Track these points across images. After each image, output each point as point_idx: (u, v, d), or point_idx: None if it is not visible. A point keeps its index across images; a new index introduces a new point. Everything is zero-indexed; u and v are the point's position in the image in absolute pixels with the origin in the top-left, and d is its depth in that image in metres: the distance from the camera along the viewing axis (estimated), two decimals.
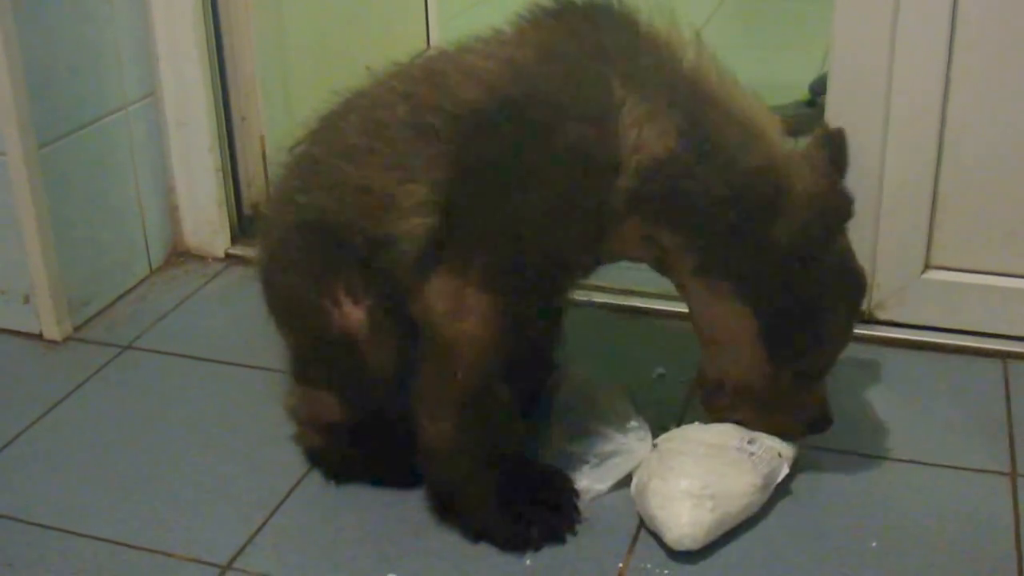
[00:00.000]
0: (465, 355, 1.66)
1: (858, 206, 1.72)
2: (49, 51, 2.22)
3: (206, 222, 2.59)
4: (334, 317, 1.72)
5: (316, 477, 1.87)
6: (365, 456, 1.83)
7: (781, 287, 1.68)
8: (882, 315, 2.21)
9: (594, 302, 2.29)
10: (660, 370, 2.10)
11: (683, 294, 1.77)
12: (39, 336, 2.30)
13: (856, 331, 2.13)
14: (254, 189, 2.64)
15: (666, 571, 1.67)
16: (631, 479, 1.78)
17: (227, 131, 2.59)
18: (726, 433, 1.78)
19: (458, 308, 1.64)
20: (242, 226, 2.65)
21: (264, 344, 2.20)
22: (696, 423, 1.82)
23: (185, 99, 2.51)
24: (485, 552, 1.71)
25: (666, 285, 1.80)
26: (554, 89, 1.63)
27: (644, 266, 1.78)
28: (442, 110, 1.65)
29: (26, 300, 2.29)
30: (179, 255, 2.63)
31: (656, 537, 1.71)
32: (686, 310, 1.79)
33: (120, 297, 2.45)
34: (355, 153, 1.71)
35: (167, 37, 2.47)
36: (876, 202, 2.10)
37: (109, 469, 1.92)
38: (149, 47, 2.47)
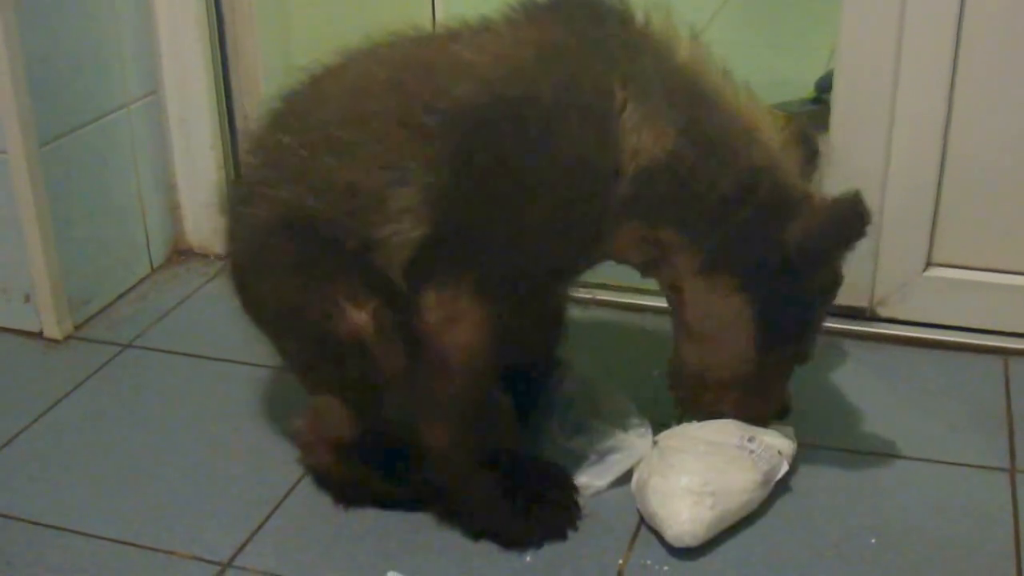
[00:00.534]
0: (459, 362, 1.64)
1: None
2: (51, 48, 2.22)
3: (208, 220, 2.59)
4: (337, 322, 1.66)
5: None
6: (373, 477, 1.79)
7: (783, 284, 1.67)
8: (884, 312, 2.21)
9: (595, 300, 2.29)
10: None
11: (671, 293, 1.76)
12: (40, 335, 2.31)
13: (858, 328, 2.15)
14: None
15: (666, 567, 1.67)
16: (631, 476, 1.79)
17: (229, 129, 2.58)
18: (726, 430, 1.78)
19: (451, 316, 1.62)
20: None
21: (265, 343, 2.20)
22: (696, 420, 1.82)
23: (187, 97, 2.51)
24: (486, 549, 1.71)
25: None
26: (554, 90, 1.60)
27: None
28: (434, 108, 1.60)
29: (27, 299, 2.29)
30: (181, 253, 2.62)
31: (656, 534, 1.71)
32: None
33: (121, 295, 2.45)
34: (338, 146, 1.64)
35: (169, 35, 2.47)
36: (879, 199, 2.10)
37: (110, 467, 1.92)
38: (151, 45, 2.47)
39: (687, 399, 1.84)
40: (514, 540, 1.71)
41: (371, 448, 1.77)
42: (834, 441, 1.90)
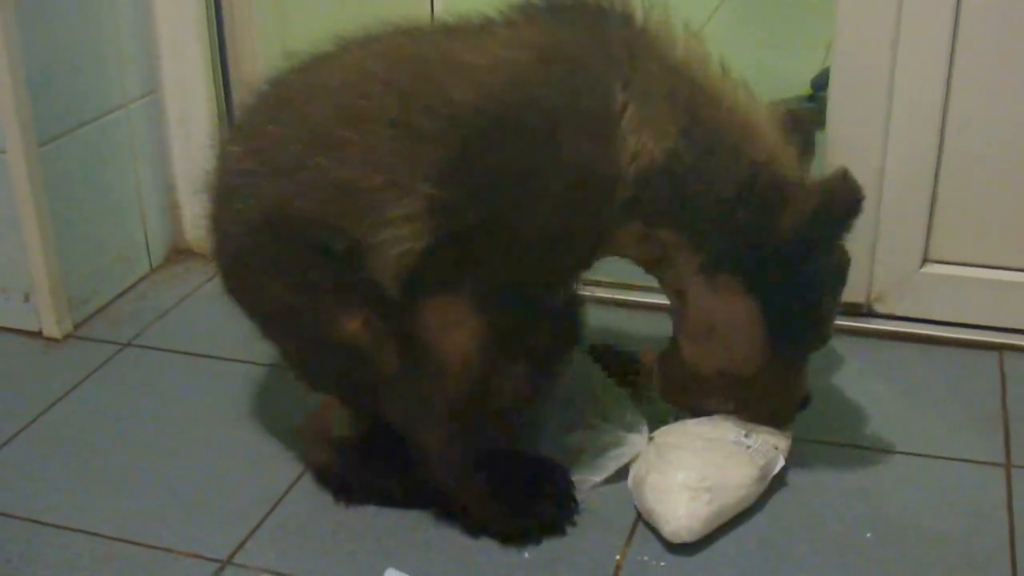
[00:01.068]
0: (454, 368, 1.63)
1: None
2: (50, 49, 2.23)
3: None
4: (330, 328, 1.63)
5: None
6: (374, 475, 1.79)
7: (786, 275, 1.66)
8: (880, 308, 2.21)
9: (593, 296, 2.29)
10: None
11: (672, 292, 1.76)
12: (39, 334, 2.31)
13: (854, 324, 2.15)
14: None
15: (663, 563, 1.68)
16: (628, 472, 1.79)
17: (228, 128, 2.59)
18: (723, 426, 1.79)
19: (449, 322, 1.61)
20: None
21: (264, 341, 2.21)
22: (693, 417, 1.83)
23: (186, 96, 2.52)
24: (484, 545, 1.71)
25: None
26: (555, 96, 1.58)
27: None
28: (433, 112, 1.57)
29: (26, 298, 2.30)
30: (180, 253, 2.63)
31: (653, 530, 1.71)
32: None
33: (120, 295, 2.46)
34: (331, 144, 1.58)
35: (169, 34, 2.47)
36: (876, 196, 2.10)
37: (109, 466, 1.93)
38: (151, 45, 2.47)
39: (677, 396, 1.84)
40: (512, 536, 1.72)
41: (372, 446, 1.78)
42: (830, 436, 1.91)
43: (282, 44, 2.61)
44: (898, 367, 2.11)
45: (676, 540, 1.68)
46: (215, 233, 1.75)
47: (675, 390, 1.85)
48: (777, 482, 1.79)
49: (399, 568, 1.66)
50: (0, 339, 2.32)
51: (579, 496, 1.77)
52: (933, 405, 2.01)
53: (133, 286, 2.49)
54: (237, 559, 1.71)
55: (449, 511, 1.75)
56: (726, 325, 1.73)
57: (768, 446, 1.76)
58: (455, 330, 1.62)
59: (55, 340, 2.30)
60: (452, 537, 1.73)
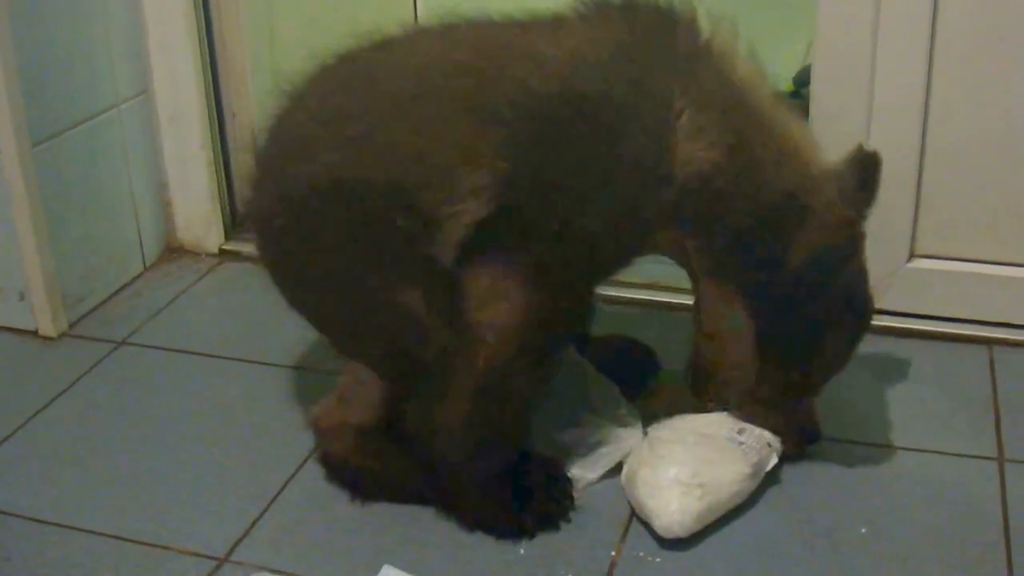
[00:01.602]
0: (490, 342, 1.64)
1: None
2: (42, 49, 2.23)
3: (199, 218, 2.61)
4: (391, 295, 1.65)
5: (312, 470, 1.87)
6: (391, 465, 1.79)
7: (784, 303, 1.71)
8: None
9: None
10: None
11: (694, 287, 1.80)
12: (34, 333, 2.31)
13: None
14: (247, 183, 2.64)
15: (658, 559, 1.69)
16: (622, 468, 1.80)
17: (219, 127, 2.59)
18: (716, 422, 1.80)
19: (494, 294, 1.63)
20: (235, 221, 2.66)
21: (258, 339, 2.22)
22: (686, 413, 1.84)
23: (177, 96, 2.52)
24: (480, 541, 1.72)
25: (658, 278, 1.80)
26: (625, 93, 1.63)
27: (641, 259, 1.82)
28: (510, 95, 1.62)
29: (21, 297, 2.30)
30: (173, 251, 2.63)
31: (647, 525, 1.72)
32: (677, 302, 1.79)
33: (115, 293, 2.46)
34: (407, 116, 1.63)
35: (159, 34, 2.47)
36: None
37: (105, 464, 1.93)
38: (141, 45, 2.47)
39: (692, 388, 1.87)
40: (508, 532, 1.72)
41: (390, 436, 1.78)
42: (822, 432, 1.91)
43: (270, 42, 2.62)
44: (887, 362, 2.12)
45: (668, 535, 1.69)
46: (265, 197, 1.75)
47: (697, 384, 1.88)
48: (770, 478, 1.79)
49: (395, 564, 1.66)
50: None
51: (575, 493, 1.78)
52: (923, 399, 2.03)
53: (127, 284, 2.50)
54: (234, 556, 1.72)
55: (446, 504, 1.75)
56: (721, 328, 1.78)
57: (761, 442, 1.77)
58: (498, 303, 1.63)
59: (50, 339, 2.30)
60: (448, 533, 1.74)
